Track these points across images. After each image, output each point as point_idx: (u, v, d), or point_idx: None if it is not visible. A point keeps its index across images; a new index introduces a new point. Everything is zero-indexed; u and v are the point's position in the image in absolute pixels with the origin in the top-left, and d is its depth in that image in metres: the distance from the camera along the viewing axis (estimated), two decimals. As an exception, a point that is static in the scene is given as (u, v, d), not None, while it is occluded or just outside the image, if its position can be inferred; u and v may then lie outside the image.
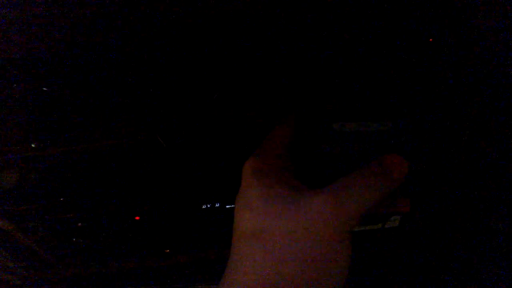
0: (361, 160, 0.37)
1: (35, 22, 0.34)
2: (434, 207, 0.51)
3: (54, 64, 0.38)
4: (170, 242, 0.54)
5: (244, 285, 0.29)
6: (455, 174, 0.47)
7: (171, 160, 0.45)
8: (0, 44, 0.33)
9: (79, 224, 0.50)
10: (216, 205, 0.49)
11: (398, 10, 0.37)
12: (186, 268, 0.57)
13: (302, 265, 0.28)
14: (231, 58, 0.39)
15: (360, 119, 0.38)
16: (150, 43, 0.37)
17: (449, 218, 0.53)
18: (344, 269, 0.30)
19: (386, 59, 0.39)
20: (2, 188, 0.45)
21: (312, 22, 0.37)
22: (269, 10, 0.35)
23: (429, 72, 0.40)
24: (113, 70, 0.39)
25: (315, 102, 0.41)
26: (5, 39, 0.33)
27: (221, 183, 0.47)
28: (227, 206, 0.49)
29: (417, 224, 0.52)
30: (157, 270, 0.57)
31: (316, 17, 0.37)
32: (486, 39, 0.37)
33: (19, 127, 0.39)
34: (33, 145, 0.40)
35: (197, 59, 0.39)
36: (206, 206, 0.49)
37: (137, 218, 0.49)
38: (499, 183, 0.49)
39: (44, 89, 0.38)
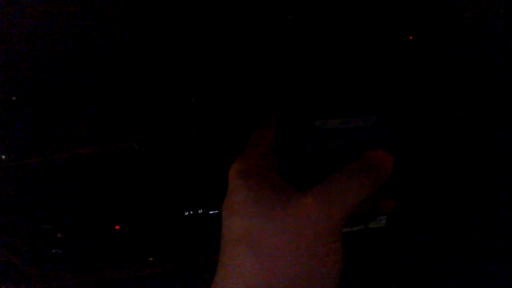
0: (346, 157, 0.36)
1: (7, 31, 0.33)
2: (419, 205, 0.51)
3: (25, 72, 0.36)
4: (153, 250, 0.53)
5: None
6: (441, 170, 0.47)
7: (151, 167, 0.44)
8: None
9: (58, 235, 0.48)
10: (199, 211, 0.48)
11: (378, 7, 0.36)
12: (171, 275, 0.56)
13: (294, 268, 0.27)
14: (209, 61, 0.38)
15: (342, 115, 0.37)
16: (126, 49, 0.36)
17: (436, 216, 0.52)
18: (337, 269, 0.29)
19: (368, 54, 0.39)
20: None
21: (293, 21, 0.36)
22: (249, 10, 0.34)
23: (412, 67, 0.40)
24: (88, 78, 0.37)
25: (296, 100, 0.40)
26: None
27: (204, 189, 0.46)
28: (210, 212, 0.48)
29: (403, 224, 0.52)
30: (141, 279, 0.56)
31: (296, 17, 0.36)
32: (466, 31, 0.37)
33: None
34: (3, 157, 0.38)
35: (175, 61, 0.38)
36: (189, 213, 0.48)
37: (117, 227, 0.48)
38: (487, 178, 0.48)
39: (13, 98, 0.37)
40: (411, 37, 0.39)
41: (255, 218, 0.29)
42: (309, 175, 0.36)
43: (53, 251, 0.50)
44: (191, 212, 0.48)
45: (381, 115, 0.38)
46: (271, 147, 0.35)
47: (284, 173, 0.34)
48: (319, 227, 0.28)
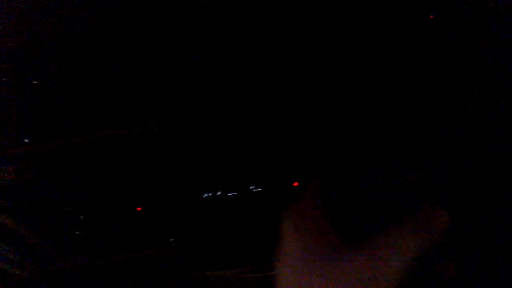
0: (397, 210, 0.35)
1: (25, 15, 0.33)
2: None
3: (44, 56, 0.36)
4: (173, 231, 0.54)
5: None
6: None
7: (171, 150, 0.44)
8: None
9: (81, 217, 0.49)
10: (218, 193, 0.48)
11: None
12: (191, 255, 0.57)
13: None
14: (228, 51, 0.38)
15: (389, 169, 0.37)
16: (139, 32, 0.35)
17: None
18: None
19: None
20: (0, 184, 0.45)
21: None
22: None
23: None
24: (104, 60, 0.37)
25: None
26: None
27: (223, 172, 0.46)
28: (229, 194, 0.48)
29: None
30: (161, 259, 0.57)
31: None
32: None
33: (10, 122, 0.39)
34: (26, 140, 0.39)
35: (191, 49, 0.38)
36: (208, 194, 0.48)
37: (138, 209, 0.48)
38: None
39: (34, 82, 0.37)
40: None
41: (308, 274, 0.30)
42: (361, 228, 0.35)
43: (76, 232, 0.51)
44: (210, 194, 0.48)
45: (426, 168, 0.37)
46: (324, 200, 0.36)
47: (337, 226, 0.34)
48: (369, 286, 0.28)
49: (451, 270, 0.36)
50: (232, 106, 0.42)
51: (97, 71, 0.38)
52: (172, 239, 0.55)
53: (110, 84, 0.39)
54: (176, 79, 0.40)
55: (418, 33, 0.37)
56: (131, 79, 0.39)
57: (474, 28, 0.37)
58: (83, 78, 0.38)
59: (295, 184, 0.47)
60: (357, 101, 0.41)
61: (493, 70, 0.38)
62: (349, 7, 0.36)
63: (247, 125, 0.43)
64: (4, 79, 0.37)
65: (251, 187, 0.47)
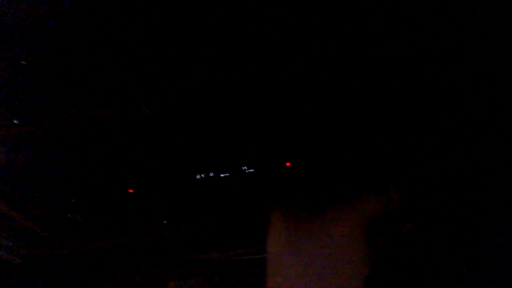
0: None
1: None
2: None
3: (33, 35, 0.36)
4: (166, 213, 0.54)
5: None
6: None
7: (163, 131, 0.44)
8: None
9: (73, 200, 0.49)
10: (210, 174, 0.48)
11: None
12: (184, 238, 0.58)
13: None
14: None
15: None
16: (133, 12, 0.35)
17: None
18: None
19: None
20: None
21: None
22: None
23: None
24: (96, 40, 0.37)
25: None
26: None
27: (215, 153, 0.47)
28: (221, 175, 0.48)
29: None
30: (154, 242, 0.57)
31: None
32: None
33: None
34: (15, 121, 0.39)
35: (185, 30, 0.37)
36: (201, 176, 0.48)
37: (130, 190, 0.48)
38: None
39: (22, 62, 0.36)
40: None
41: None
42: None
43: (69, 215, 0.51)
44: (203, 175, 0.48)
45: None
46: None
47: None
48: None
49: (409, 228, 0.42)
50: (225, 89, 0.42)
51: (88, 51, 0.38)
52: (164, 222, 0.56)
53: (102, 64, 0.39)
54: (169, 61, 0.40)
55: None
56: (126, 63, 0.38)
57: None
58: (74, 58, 0.38)
59: (288, 164, 0.47)
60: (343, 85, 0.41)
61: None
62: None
63: (240, 106, 0.43)
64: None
65: (243, 168, 0.47)
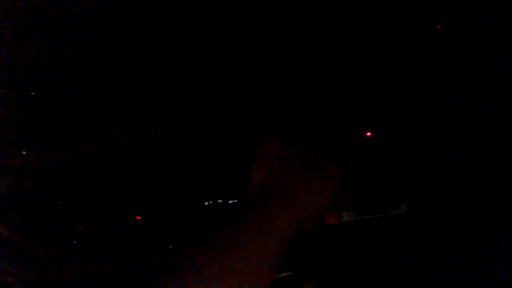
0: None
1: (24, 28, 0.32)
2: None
3: (42, 67, 0.36)
4: (173, 238, 0.53)
5: None
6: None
7: (171, 158, 0.44)
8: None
9: (79, 226, 0.49)
10: (219, 201, 0.48)
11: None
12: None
13: None
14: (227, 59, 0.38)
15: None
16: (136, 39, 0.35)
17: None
18: None
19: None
20: (-2, 194, 0.44)
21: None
22: None
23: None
24: (107, 71, 0.37)
25: None
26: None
27: (223, 179, 0.46)
28: (230, 202, 0.48)
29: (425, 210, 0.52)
30: (160, 266, 0.56)
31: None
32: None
33: (7, 134, 0.38)
34: (24, 152, 0.38)
35: (190, 53, 0.37)
36: (209, 202, 0.48)
37: (138, 218, 0.48)
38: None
39: (32, 93, 0.36)
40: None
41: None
42: None
43: (75, 242, 0.51)
44: (211, 202, 0.48)
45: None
46: None
47: None
48: None
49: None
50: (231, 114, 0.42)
51: (95, 82, 0.37)
52: (170, 246, 0.55)
53: (109, 93, 0.39)
54: (175, 86, 0.40)
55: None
56: (131, 89, 0.38)
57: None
58: (82, 89, 0.37)
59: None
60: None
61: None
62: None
63: (247, 129, 0.43)
64: (1, 90, 0.36)
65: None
